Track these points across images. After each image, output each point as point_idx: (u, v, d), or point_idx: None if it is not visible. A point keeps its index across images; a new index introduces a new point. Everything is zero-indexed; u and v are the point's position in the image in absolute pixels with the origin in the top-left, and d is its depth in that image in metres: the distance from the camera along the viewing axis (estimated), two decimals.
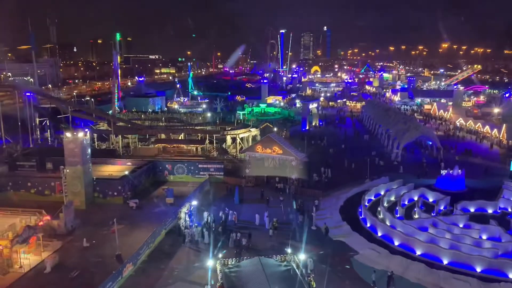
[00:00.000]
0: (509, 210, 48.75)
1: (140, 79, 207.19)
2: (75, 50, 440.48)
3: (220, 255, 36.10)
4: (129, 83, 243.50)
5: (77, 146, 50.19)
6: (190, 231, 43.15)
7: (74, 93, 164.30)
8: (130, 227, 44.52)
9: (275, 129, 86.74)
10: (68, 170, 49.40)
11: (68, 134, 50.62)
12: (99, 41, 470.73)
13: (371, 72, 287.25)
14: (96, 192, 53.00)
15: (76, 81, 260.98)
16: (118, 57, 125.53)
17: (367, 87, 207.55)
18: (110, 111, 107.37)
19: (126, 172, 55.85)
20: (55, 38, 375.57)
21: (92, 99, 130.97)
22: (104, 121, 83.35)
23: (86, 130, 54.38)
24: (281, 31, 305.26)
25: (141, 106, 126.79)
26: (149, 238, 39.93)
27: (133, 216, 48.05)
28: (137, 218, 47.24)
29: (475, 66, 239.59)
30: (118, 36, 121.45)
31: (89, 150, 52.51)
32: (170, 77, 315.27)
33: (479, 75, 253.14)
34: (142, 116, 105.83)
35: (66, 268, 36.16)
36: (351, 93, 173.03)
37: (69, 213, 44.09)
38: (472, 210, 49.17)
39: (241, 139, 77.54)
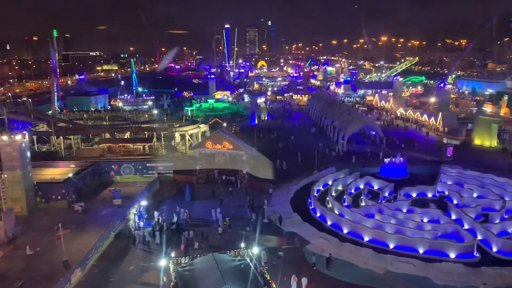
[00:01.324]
0: (446, 193, 51.88)
1: (81, 77, 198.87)
2: (8, 47, 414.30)
3: (172, 254, 35.62)
4: (69, 82, 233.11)
5: (15, 149, 47.47)
6: (140, 232, 42.24)
7: (9, 94, 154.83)
8: (76, 231, 42.89)
9: (225, 124, 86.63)
10: (6, 175, 46.73)
11: (4, 137, 47.72)
12: (35, 38, 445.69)
13: (315, 66, 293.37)
14: (39, 197, 50.50)
15: (11, 80, 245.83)
16: (56, 54, 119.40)
17: (312, 80, 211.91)
18: (50, 112, 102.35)
19: (70, 175, 53.66)
20: None
21: (30, 99, 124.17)
22: (44, 122, 79.37)
23: (25, 132, 51.51)
24: (226, 26, 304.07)
25: (82, 105, 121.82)
26: (97, 241, 38.66)
27: (80, 220, 46.31)
28: (84, 222, 45.59)
29: (413, 58, 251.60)
30: (55, 33, 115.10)
31: (28, 153, 49.85)
32: (113, 74, 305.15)
33: (417, 67, 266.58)
34: (84, 115, 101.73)
35: (8, 279, 34.28)
36: (297, 87, 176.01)
37: (9, 221, 41.73)
38: (414, 195, 51.87)
39: (190, 135, 76.73)
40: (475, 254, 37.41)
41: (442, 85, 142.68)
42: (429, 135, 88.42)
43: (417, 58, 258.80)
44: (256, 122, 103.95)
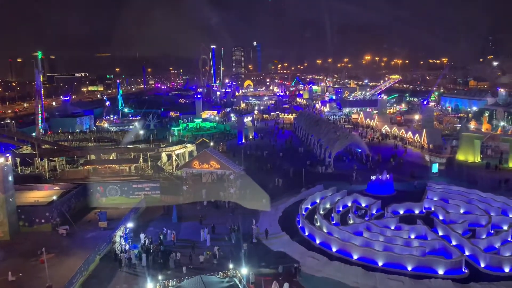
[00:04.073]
0: (432, 209, 52.23)
1: (66, 98, 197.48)
2: None
3: (159, 277, 34.94)
4: (54, 103, 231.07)
5: None
6: (126, 255, 41.44)
7: None
8: (61, 255, 41.91)
9: (212, 143, 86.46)
10: None
11: None
12: (19, 60, 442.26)
13: (301, 85, 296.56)
14: (21, 221, 49.37)
15: None
16: (41, 76, 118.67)
17: (298, 99, 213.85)
18: (34, 133, 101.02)
19: (54, 197, 52.68)
20: None
21: (13, 121, 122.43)
22: (28, 144, 78.11)
23: (7, 154, 50.66)
24: (212, 46, 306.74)
25: (67, 126, 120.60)
26: (82, 265, 37.75)
27: (64, 243, 45.35)
28: (69, 246, 44.64)
29: (395, 76, 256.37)
30: (40, 54, 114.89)
31: (11, 176, 48.88)
32: (98, 95, 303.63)
33: (400, 85, 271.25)
34: (70, 137, 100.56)
35: None
36: (283, 106, 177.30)
37: None
38: (401, 212, 52.08)
39: (177, 155, 76.31)
40: (463, 270, 37.48)
41: (425, 102, 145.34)
42: (413, 152, 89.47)
43: (399, 76, 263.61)
44: (244, 141, 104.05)
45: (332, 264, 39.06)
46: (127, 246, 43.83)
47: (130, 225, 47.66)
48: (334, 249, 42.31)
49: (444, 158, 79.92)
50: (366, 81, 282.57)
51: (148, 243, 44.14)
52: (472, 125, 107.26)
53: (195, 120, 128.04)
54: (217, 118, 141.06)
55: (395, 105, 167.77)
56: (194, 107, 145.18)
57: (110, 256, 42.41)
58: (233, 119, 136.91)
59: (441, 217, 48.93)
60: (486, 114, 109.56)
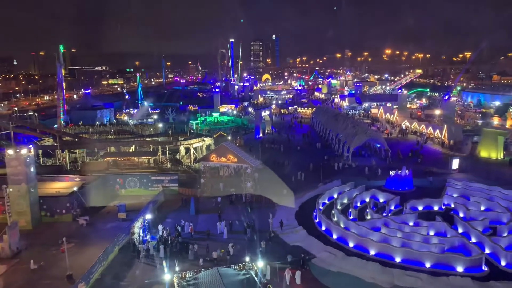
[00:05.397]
0: (452, 206, 51.39)
1: (87, 91, 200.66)
2: (15, 63, 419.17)
3: (177, 269, 35.37)
4: (75, 96, 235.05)
5: (21, 163, 47.70)
6: (145, 246, 42.04)
7: (15, 108, 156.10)
8: (80, 245, 42.77)
9: (229, 137, 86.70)
10: (11, 189, 46.84)
11: (10, 151, 48.00)
12: (42, 53, 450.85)
13: (319, 79, 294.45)
14: (43, 211, 50.51)
15: (18, 95, 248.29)
16: (63, 69, 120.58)
17: (317, 93, 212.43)
18: (56, 126, 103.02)
19: (75, 188, 53.69)
20: None
21: (36, 114, 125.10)
22: (49, 136, 79.74)
23: (30, 146, 51.79)
24: (230, 40, 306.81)
25: (88, 119, 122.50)
26: (101, 255, 38.46)
27: (84, 233, 46.24)
28: (88, 236, 45.51)
29: (417, 70, 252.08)
30: (61, 48, 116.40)
31: (33, 168, 50.02)
32: (118, 89, 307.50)
33: (421, 79, 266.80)
34: (90, 129, 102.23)
35: None
36: (301, 100, 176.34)
37: (14, 235, 41.72)
38: (420, 208, 51.40)
39: (195, 149, 76.82)
40: (483, 268, 36.84)
41: (447, 97, 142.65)
42: (433, 147, 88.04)
43: (420, 70, 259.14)
44: (261, 135, 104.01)
45: (348, 259, 38.88)
46: (149, 236, 44.51)
47: (148, 216, 48.32)
48: (351, 245, 42.08)
49: (465, 155, 78.45)
50: (386, 75, 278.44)
51: (166, 234, 44.70)
52: (495, 120, 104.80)
53: (213, 113, 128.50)
54: (234, 112, 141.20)
55: (415, 100, 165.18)
56: (212, 101, 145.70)
57: (128, 247, 43.12)
58: (251, 113, 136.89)
59: (461, 214, 48.13)
60: (511, 110, 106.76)
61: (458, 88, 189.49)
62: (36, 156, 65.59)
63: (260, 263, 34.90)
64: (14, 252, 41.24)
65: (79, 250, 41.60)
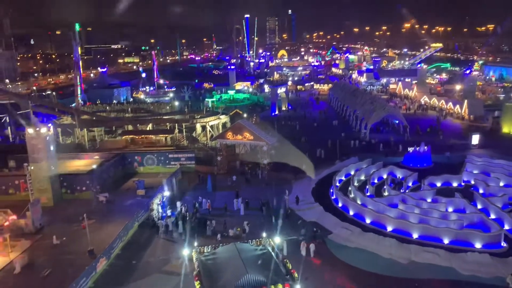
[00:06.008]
0: (472, 182, 50.63)
1: (103, 70, 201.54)
2: (32, 42, 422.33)
3: (195, 244, 35.95)
4: (92, 75, 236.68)
5: (41, 142, 48.50)
6: (164, 222, 42.75)
7: (34, 87, 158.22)
8: (101, 221, 43.64)
9: (245, 115, 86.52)
10: (32, 167, 47.82)
11: (30, 130, 48.79)
12: (58, 32, 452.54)
13: (337, 54, 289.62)
14: (64, 188, 51.57)
15: (36, 74, 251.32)
16: (79, 48, 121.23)
17: (334, 69, 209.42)
18: (73, 104, 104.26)
19: (94, 166, 54.54)
20: (9, 30, 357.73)
21: (54, 93, 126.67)
22: (68, 115, 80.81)
23: (49, 125, 52.54)
24: (245, 15, 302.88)
25: (105, 97, 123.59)
26: (122, 231, 39.30)
27: (104, 210, 47.12)
28: (108, 212, 46.35)
29: (437, 44, 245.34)
30: (77, 27, 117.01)
31: (53, 146, 50.86)
32: (134, 67, 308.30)
33: (441, 53, 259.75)
34: (107, 108, 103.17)
35: (36, 268, 35.22)
36: (318, 76, 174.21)
37: (36, 211, 42.79)
38: (438, 184, 50.83)
39: (211, 126, 76.97)
40: (502, 244, 36.46)
41: (468, 71, 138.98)
42: (452, 122, 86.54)
43: (441, 44, 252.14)
44: (277, 112, 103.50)
45: (365, 235, 38.90)
46: (169, 212, 45.27)
47: (166, 193, 48.94)
48: (368, 221, 42.03)
49: (486, 127, 76.85)
50: (405, 50, 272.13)
51: (184, 211, 45.34)
52: None
53: (228, 91, 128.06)
54: (250, 89, 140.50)
55: (435, 74, 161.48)
56: (228, 78, 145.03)
57: (148, 223, 43.94)
58: (266, 90, 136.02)
59: (481, 191, 47.44)
60: None
61: (480, 62, 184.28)
62: (55, 135, 66.59)
63: (277, 239, 35.18)
64: (37, 228, 42.38)
65: (100, 226, 42.45)
